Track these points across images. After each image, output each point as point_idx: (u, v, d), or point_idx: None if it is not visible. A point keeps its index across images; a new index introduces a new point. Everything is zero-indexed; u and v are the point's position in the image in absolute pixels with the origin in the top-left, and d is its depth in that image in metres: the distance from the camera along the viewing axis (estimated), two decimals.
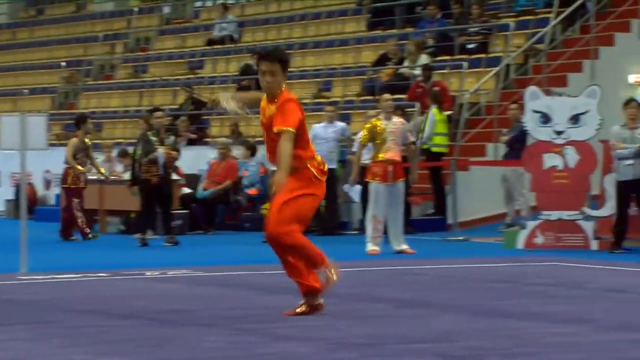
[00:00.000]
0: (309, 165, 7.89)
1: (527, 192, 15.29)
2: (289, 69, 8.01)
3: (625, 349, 6.73)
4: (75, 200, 16.00)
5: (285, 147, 7.70)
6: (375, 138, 13.63)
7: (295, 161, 7.81)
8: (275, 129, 7.77)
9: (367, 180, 13.87)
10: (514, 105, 17.10)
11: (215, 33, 26.64)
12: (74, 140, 16.26)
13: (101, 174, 16.76)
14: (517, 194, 16.31)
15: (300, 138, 7.84)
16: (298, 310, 8.00)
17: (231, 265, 12.31)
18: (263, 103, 8.00)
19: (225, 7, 27.18)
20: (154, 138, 15.26)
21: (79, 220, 16.00)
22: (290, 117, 7.76)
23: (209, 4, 29.54)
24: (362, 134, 13.97)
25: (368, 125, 13.87)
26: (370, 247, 13.70)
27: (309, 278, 7.95)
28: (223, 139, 19.33)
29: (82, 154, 16.17)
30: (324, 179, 7.99)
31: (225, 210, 18.53)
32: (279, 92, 7.87)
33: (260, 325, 7.67)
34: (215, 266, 12.12)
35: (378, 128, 13.61)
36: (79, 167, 16.06)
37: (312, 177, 7.91)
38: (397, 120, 13.91)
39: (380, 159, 13.62)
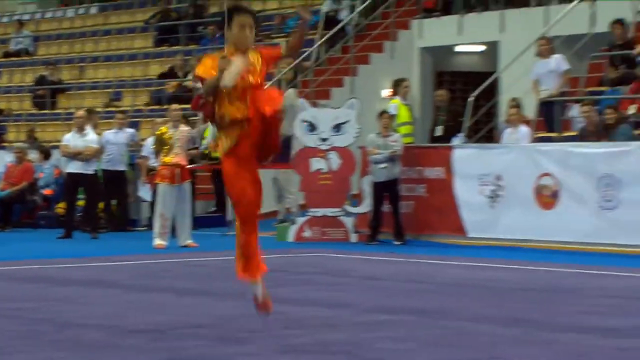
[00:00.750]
0: None
1: (296, 191, 15.50)
2: None
3: (378, 329, 6.93)
4: None
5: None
6: (163, 144, 13.66)
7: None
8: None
9: (156, 182, 13.84)
10: None
11: (12, 47, 25.83)
12: None
13: None
14: (287, 193, 16.53)
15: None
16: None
17: (27, 260, 11.89)
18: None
19: (21, 23, 26.39)
20: None
21: None
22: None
23: (5, 19, 28.48)
24: (152, 142, 13.87)
25: (158, 133, 13.90)
26: (158, 241, 13.57)
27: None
28: (19, 144, 18.76)
29: None
30: None
31: (22, 210, 17.98)
32: (249, 47, 6.50)
33: (52, 315, 7.44)
34: (11, 261, 11.68)
35: (165, 135, 13.69)
36: None
37: None
38: (183, 128, 14.00)
39: (168, 162, 13.65)
